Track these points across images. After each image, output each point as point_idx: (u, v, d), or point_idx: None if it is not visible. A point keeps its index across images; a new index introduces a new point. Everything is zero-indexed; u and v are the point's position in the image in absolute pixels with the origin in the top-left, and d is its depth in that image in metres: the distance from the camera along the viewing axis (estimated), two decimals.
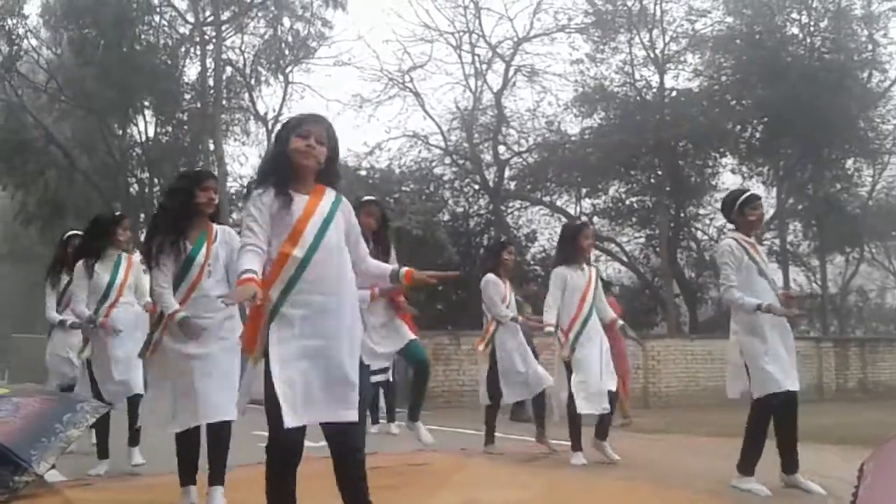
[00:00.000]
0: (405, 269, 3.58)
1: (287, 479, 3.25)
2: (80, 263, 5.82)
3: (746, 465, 5.05)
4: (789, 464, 5.11)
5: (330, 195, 3.39)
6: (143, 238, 4.91)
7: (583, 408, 6.23)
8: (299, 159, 3.29)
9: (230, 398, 4.39)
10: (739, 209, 5.32)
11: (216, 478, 4.46)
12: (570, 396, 6.29)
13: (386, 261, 5.36)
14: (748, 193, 5.52)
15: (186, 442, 4.46)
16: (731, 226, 5.53)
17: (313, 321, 3.19)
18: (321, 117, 3.45)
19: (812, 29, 20.21)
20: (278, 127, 3.50)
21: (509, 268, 7.17)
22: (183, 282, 4.44)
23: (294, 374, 3.13)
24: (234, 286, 3.21)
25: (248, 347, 3.33)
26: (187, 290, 4.44)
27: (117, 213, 6.23)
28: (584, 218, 21.06)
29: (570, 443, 6.44)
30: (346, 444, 3.30)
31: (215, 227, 4.61)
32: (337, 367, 3.21)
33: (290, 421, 3.08)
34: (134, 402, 5.80)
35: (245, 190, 19.64)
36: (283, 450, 3.21)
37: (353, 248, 3.43)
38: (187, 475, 4.49)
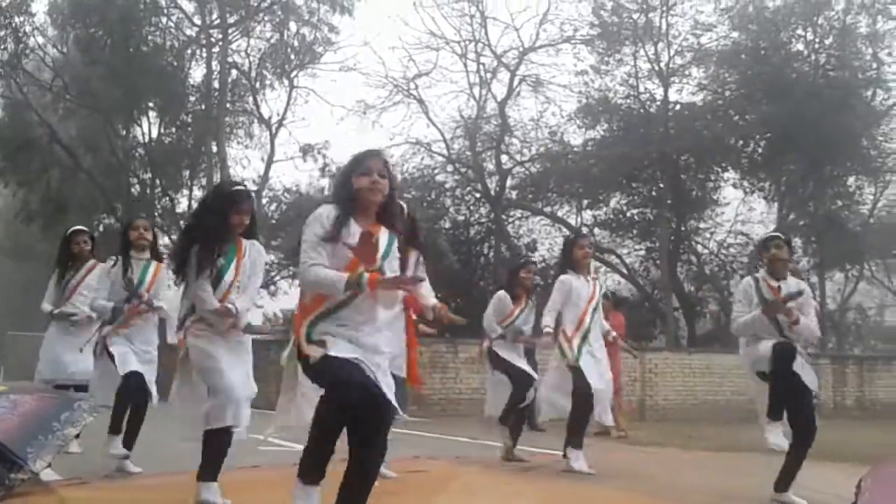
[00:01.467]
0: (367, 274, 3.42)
1: (330, 436, 3.27)
2: (117, 266, 5.87)
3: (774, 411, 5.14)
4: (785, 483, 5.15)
5: (385, 233, 3.47)
6: (172, 249, 4.94)
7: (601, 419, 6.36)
8: (367, 196, 3.42)
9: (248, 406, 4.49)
10: (759, 252, 5.59)
11: (210, 475, 4.45)
12: (581, 394, 6.32)
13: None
14: (767, 235, 5.75)
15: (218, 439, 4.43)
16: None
17: (354, 338, 3.30)
18: (378, 151, 3.56)
19: (817, 46, 20.23)
20: (346, 162, 3.59)
21: (527, 286, 7.22)
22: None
23: (340, 336, 3.28)
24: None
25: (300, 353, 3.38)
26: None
27: (139, 217, 6.28)
28: (584, 229, 21.10)
29: (560, 452, 6.47)
30: (375, 438, 3.30)
31: (245, 242, 4.63)
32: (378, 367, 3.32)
33: (342, 352, 3.21)
34: (140, 409, 5.80)
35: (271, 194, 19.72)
36: (341, 394, 3.21)
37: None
38: (213, 472, 4.44)
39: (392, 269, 3.41)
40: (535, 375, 7.05)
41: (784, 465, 5.11)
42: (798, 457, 5.09)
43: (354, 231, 3.34)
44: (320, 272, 3.29)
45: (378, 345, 3.34)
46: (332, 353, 3.22)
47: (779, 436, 5.06)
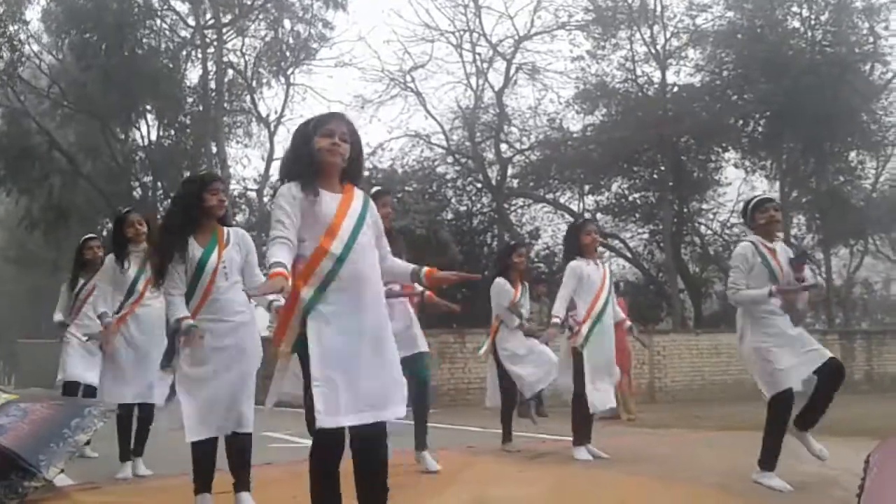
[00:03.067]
0: (426, 268, 3.60)
1: (330, 478, 3.25)
2: (109, 257, 5.94)
3: (768, 459, 5.03)
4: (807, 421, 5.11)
5: (359, 195, 3.46)
6: (150, 251, 4.90)
7: (597, 406, 6.30)
8: (326, 157, 3.34)
9: (251, 406, 4.46)
10: (751, 214, 5.35)
11: (243, 484, 4.48)
12: (577, 393, 6.34)
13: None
14: (757, 198, 5.60)
15: (205, 448, 4.40)
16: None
17: (345, 319, 3.21)
18: (342, 115, 3.51)
19: (813, 22, 20.16)
20: (298, 125, 3.48)
21: (520, 270, 7.13)
22: (196, 287, 4.40)
23: (334, 373, 3.15)
24: (266, 279, 3.18)
25: (277, 341, 3.33)
26: (202, 295, 4.40)
27: (124, 211, 6.24)
28: (587, 215, 21.10)
29: (570, 438, 6.49)
30: (370, 444, 3.32)
31: (226, 229, 4.58)
32: (376, 365, 3.25)
33: (327, 421, 3.11)
34: (146, 413, 5.83)
35: (272, 192, 19.69)
36: (323, 449, 3.22)
37: (376, 246, 3.47)
38: (204, 482, 4.43)
39: (369, 229, 3.39)
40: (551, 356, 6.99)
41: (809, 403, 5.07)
42: (826, 395, 5.04)
43: (326, 199, 3.31)
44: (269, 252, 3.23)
45: (363, 327, 3.25)
46: (314, 369, 3.14)
47: (773, 480, 4.97)
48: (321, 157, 3.33)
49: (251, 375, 4.52)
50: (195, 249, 4.41)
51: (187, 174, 21.18)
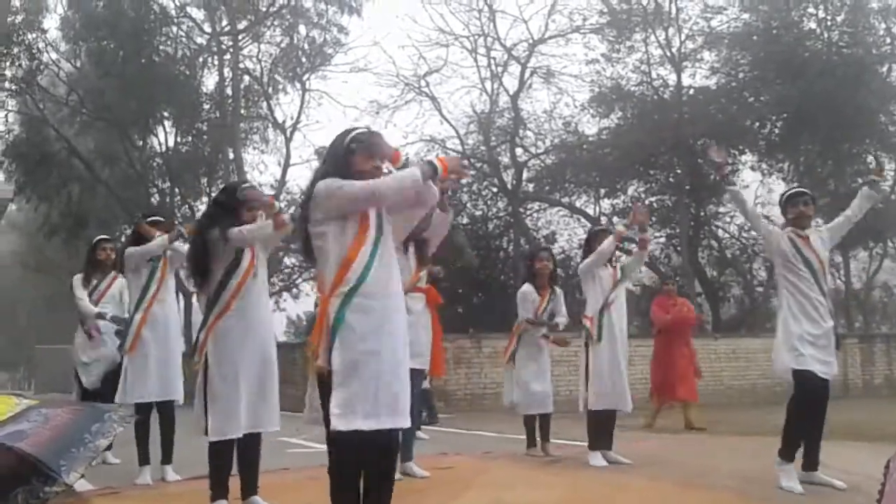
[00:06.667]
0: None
1: (350, 483, 3.28)
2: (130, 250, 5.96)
3: (786, 449, 5.09)
4: (810, 461, 5.15)
5: None
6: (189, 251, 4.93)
7: (595, 404, 6.28)
8: (368, 178, 3.35)
9: (276, 405, 4.50)
10: (784, 207, 5.55)
11: (251, 488, 4.49)
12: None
13: (422, 266, 5.50)
14: (791, 191, 5.80)
15: (224, 453, 4.42)
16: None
17: (370, 326, 3.23)
18: (380, 134, 3.54)
19: (829, 23, 20.04)
20: (338, 135, 3.50)
21: (544, 275, 7.09)
22: (226, 288, 4.44)
23: (353, 379, 3.18)
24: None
25: (315, 353, 3.34)
26: (230, 296, 4.44)
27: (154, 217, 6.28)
28: (603, 219, 21.06)
29: (586, 442, 6.47)
30: (384, 450, 3.33)
31: None
32: (392, 373, 3.26)
33: (342, 424, 3.14)
34: (168, 412, 5.86)
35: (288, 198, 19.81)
36: (339, 453, 3.24)
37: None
38: (221, 487, 4.44)
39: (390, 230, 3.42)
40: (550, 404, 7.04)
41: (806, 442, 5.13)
42: (813, 434, 5.13)
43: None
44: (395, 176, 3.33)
45: (385, 334, 3.27)
46: (336, 375, 3.19)
47: (792, 477, 5.01)
48: (363, 178, 3.35)
49: (275, 374, 4.56)
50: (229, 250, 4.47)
51: (205, 181, 21.46)
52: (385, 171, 3.42)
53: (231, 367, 4.38)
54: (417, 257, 5.68)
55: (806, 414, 5.09)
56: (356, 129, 3.53)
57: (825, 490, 5.00)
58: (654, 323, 10.36)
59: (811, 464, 5.15)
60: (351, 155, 3.37)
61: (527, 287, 7.09)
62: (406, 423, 3.33)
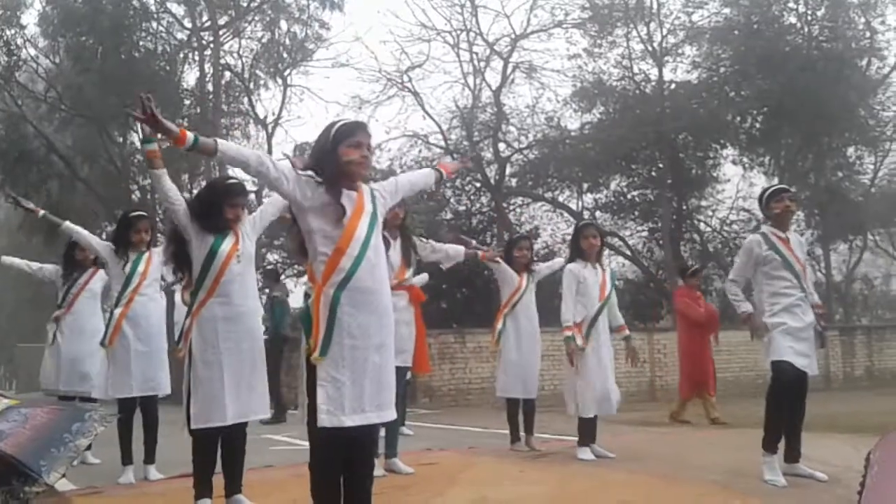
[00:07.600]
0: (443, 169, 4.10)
1: (331, 477, 3.28)
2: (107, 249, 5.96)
3: (769, 441, 5.13)
4: (792, 452, 5.17)
5: (367, 190, 3.47)
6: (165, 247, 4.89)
7: (589, 410, 6.30)
8: (356, 170, 3.38)
9: (265, 394, 4.47)
10: (766, 203, 5.46)
11: (235, 486, 4.46)
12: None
13: (408, 264, 5.52)
14: (773, 188, 5.71)
15: (208, 447, 4.40)
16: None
17: (360, 320, 3.23)
18: (365, 125, 3.52)
19: (810, 18, 20.13)
20: (324, 128, 3.48)
21: (521, 263, 7.19)
22: (208, 273, 4.39)
23: (341, 374, 3.17)
24: None
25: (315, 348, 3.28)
26: (212, 282, 4.39)
27: (138, 213, 6.22)
28: (586, 214, 21.10)
29: (574, 438, 6.49)
30: (364, 445, 3.34)
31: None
32: (378, 369, 3.26)
33: (329, 421, 3.14)
34: (152, 410, 5.82)
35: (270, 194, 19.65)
36: (323, 449, 3.25)
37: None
38: (205, 486, 4.39)
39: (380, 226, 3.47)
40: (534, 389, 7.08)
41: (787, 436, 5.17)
42: (794, 426, 5.19)
43: (344, 200, 3.33)
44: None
45: (373, 329, 3.28)
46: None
47: (775, 471, 5.04)
48: (350, 168, 3.35)
49: (262, 363, 4.53)
50: (206, 235, 4.44)
51: (185, 177, 21.31)
52: (368, 163, 3.44)
53: (214, 354, 4.33)
54: (403, 257, 5.72)
55: (784, 405, 5.12)
56: (341, 120, 3.52)
57: (807, 482, 5.04)
58: (687, 316, 10.43)
59: (793, 456, 5.20)
60: (338, 145, 3.35)
61: (505, 266, 7.22)
62: (391, 416, 3.33)
